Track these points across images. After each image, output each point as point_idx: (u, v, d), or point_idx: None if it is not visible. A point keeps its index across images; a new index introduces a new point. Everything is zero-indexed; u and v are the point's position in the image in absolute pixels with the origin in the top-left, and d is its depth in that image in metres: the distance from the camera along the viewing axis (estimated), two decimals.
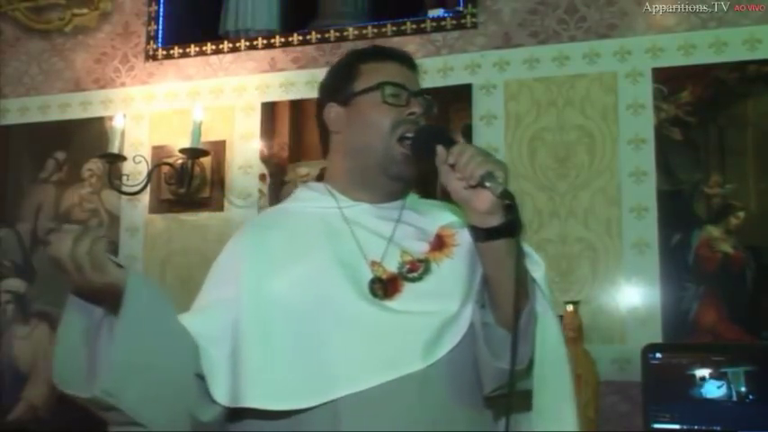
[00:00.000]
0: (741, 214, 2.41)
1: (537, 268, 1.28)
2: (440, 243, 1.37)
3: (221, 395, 1.24)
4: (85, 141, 3.14)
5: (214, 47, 3.06)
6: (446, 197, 1.32)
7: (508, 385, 1.18)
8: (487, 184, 1.21)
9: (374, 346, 1.24)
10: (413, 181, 1.41)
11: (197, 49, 3.07)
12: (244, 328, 1.27)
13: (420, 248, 1.35)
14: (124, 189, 2.98)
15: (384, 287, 1.30)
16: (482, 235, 1.25)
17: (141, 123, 3.09)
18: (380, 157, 1.36)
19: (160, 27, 3.14)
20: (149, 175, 2.96)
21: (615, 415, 2.39)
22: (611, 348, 2.43)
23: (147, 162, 2.99)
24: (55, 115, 3.22)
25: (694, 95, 2.50)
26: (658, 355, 2.19)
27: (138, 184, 2.96)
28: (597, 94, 2.60)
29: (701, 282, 2.40)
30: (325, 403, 1.22)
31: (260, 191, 2.90)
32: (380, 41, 2.85)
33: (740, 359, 2.12)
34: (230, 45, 3.04)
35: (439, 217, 1.41)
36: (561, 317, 2.27)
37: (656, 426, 2.12)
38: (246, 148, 2.95)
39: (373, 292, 1.29)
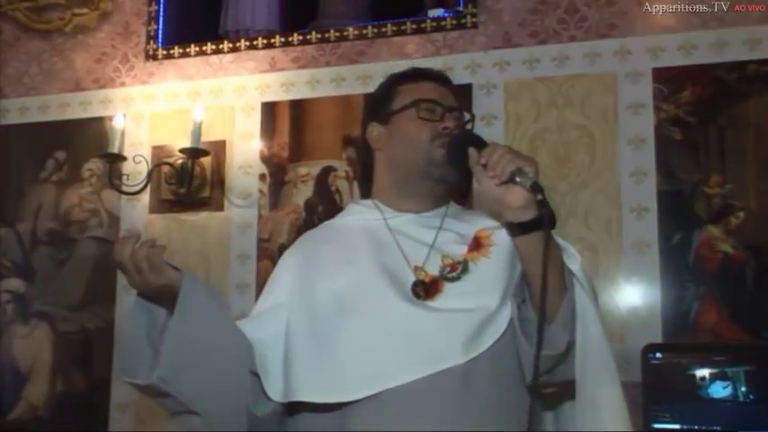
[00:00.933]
0: (741, 214, 2.41)
1: (573, 261, 1.34)
2: (477, 244, 1.44)
3: (274, 391, 1.35)
4: (85, 141, 3.14)
5: (214, 47, 3.06)
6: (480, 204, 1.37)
7: (534, 371, 1.23)
8: (518, 179, 1.28)
9: (416, 342, 1.31)
10: (455, 184, 1.50)
11: (197, 48, 3.07)
12: (294, 330, 1.38)
13: (460, 251, 1.43)
14: (124, 189, 2.98)
15: (426, 289, 1.38)
16: (517, 229, 1.33)
17: (141, 123, 3.09)
18: (422, 164, 1.45)
19: (160, 27, 3.14)
20: (149, 175, 2.96)
21: None
22: (611, 348, 2.43)
23: (147, 162, 2.99)
24: (55, 115, 3.22)
25: (694, 95, 2.50)
26: (658, 355, 2.19)
27: (138, 184, 2.96)
28: (597, 93, 2.60)
29: (702, 282, 2.40)
30: (370, 397, 1.29)
31: (260, 191, 2.90)
32: (380, 41, 2.85)
33: (740, 359, 2.12)
34: (230, 45, 3.04)
35: (478, 222, 1.49)
36: None
37: (656, 426, 2.12)
38: (246, 148, 2.95)
39: (416, 294, 1.38)
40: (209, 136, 2.92)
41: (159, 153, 3.02)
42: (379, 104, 1.55)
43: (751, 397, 2.08)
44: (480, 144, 1.36)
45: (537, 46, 2.69)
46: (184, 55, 3.09)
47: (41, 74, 3.29)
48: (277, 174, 2.90)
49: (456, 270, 1.40)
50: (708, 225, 2.43)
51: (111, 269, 2.97)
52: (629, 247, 2.49)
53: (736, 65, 2.47)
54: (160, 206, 3.00)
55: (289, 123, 2.92)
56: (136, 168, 2.99)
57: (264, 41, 3.01)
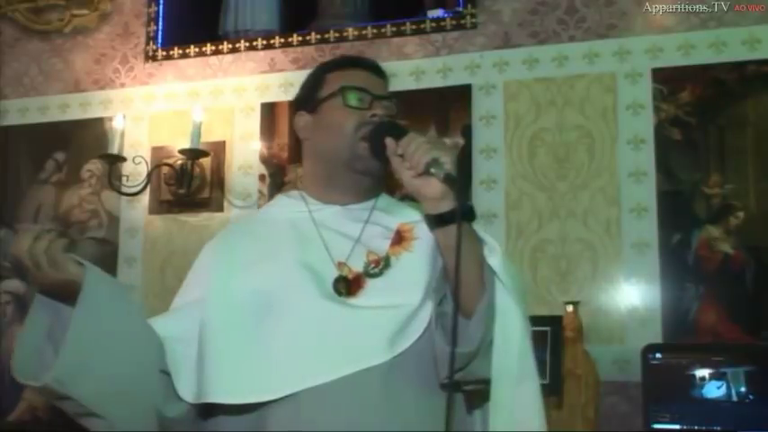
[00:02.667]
0: (741, 214, 2.41)
1: (494, 255, 1.28)
2: (399, 238, 1.40)
3: (186, 392, 1.28)
4: (85, 142, 3.14)
5: (214, 47, 3.06)
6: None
7: (449, 368, 1.19)
8: (432, 170, 1.23)
9: (336, 341, 1.27)
10: (381, 177, 1.43)
11: (196, 49, 3.07)
12: (209, 327, 1.31)
13: (385, 246, 1.38)
14: (124, 190, 2.98)
15: (347, 285, 1.33)
16: (433, 222, 1.28)
17: (141, 124, 3.09)
18: (346, 156, 1.39)
19: (160, 28, 3.14)
20: (149, 175, 2.96)
21: (615, 415, 2.39)
22: (611, 348, 2.43)
23: (146, 163, 2.99)
24: (54, 116, 3.22)
25: (694, 95, 2.50)
26: (658, 355, 2.19)
27: (138, 185, 2.96)
28: (597, 94, 2.60)
29: (701, 282, 2.40)
30: (287, 396, 1.24)
31: (260, 191, 2.90)
32: (380, 42, 2.85)
33: (740, 359, 2.12)
34: (230, 46, 3.05)
35: (404, 214, 1.44)
36: (561, 317, 2.28)
37: (656, 426, 2.12)
38: (246, 149, 2.95)
39: (337, 291, 1.33)
40: (208, 137, 2.92)
41: (159, 154, 3.02)
42: (306, 93, 1.49)
43: (750, 397, 2.07)
44: (399, 134, 1.31)
45: (536, 46, 2.69)
46: (184, 56, 3.09)
47: (41, 75, 3.29)
48: (276, 174, 2.90)
49: (378, 265, 1.35)
50: (707, 225, 2.43)
51: (111, 270, 2.97)
52: (628, 247, 2.49)
53: (736, 65, 2.47)
54: (160, 207, 3.00)
55: (288, 124, 2.91)
56: (135, 169, 2.99)
57: (264, 42, 3.01)
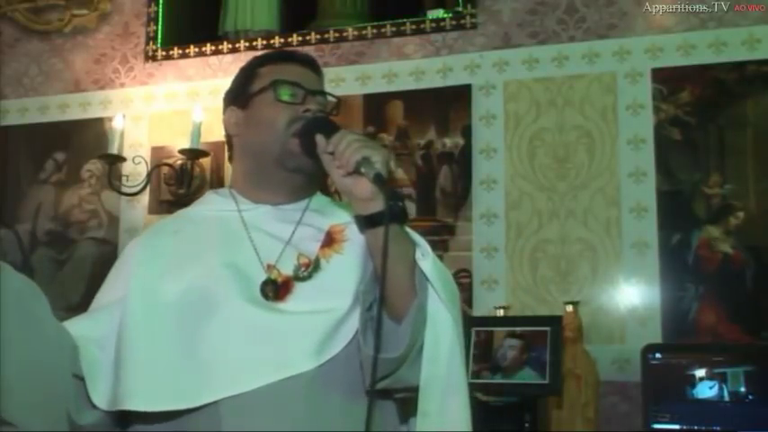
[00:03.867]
0: (741, 214, 2.40)
1: (425, 258, 1.23)
2: (329, 239, 1.34)
3: (100, 398, 1.21)
4: (85, 142, 3.14)
5: (213, 47, 3.06)
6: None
7: (372, 373, 1.14)
8: (362, 169, 1.18)
9: (261, 347, 1.21)
10: (314, 175, 1.37)
11: (196, 49, 3.07)
12: (127, 330, 1.24)
13: (315, 248, 1.32)
14: (124, 190, 2.98)
15: (275, 289, 1.27)
16: (363, 223, 1.24)
17: (141, 124, 3.09)
18: (277, 153, 1.33)
19: (159, 28, 3.14)
20: (149, 175, 2.96)
21: (615, 415, 2.39)
22: (611, 348, 2.43)
23: (146, 163, 2.99)
24: (54, 116, 3.22)
25: (694, 95, 2.50)
26: (658, 355, 2.18)
27: (138, 185, 2.96)
28: (596, 94, 2.60)
29: (701, 282, 2.40)
30: (208, 405, 1.18)
31: None
32: (379, 42, 2.85)
33: (740, 359, 2.12)
34: (230, 46, 3.04)
35: (337, 215, 1.38)
36: (561, 317, 2.28)
37: (656, 426, 2.12)
38: None
39: (264, 295, 1.27)
40: (208, 137, 2.92)
41: (159, 154, 3.02)
42: (238, 87, 1.42)
43: (750, 397, 2.07)
44: (330, 131, 1.26)
45: (536, 46, 2.69)
46: (184, 56, 3.09)
47: (41, 75, 3.29)
48: None
49: (307, 268, 1.29)
50: (707, 225, 2.43)
51: None
52: (628, 247, 2.49)
53: (736, 65, 2.47)
54: (159, 207, 3.00)
55: None
56: (135, 169, 2.98)
57: (264, 42, 3.01)
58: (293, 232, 1.33)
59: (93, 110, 3.16)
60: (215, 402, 1.18)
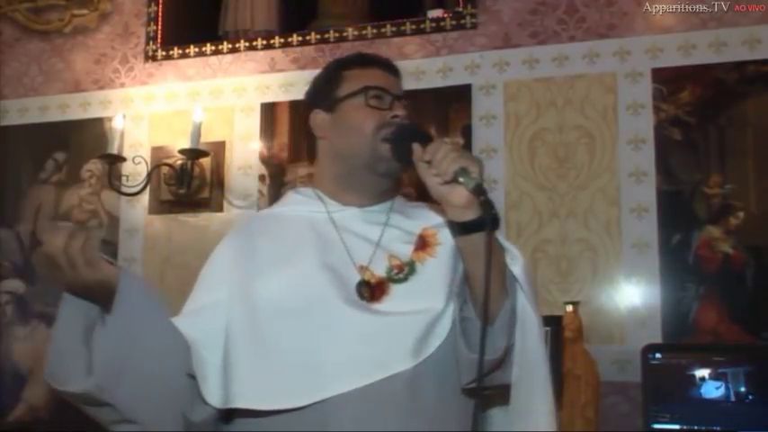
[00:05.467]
0: (741, 214, 2.40)
1: (516, 263, 1.29)
2: (423, 243, 1.39)
3: (213, 396, 1.27)
4: (85, 142, 3.14)
5: (213, 47, 3.06)
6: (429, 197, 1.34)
7: (477, 375, 1.19)
8: (461, 179, 1.23)
9: (361, 347, 1.26)
10: (401, 178, 1.44)
11: (196, 49, 3.07)
12: (234, 331, 1.30)
13: (406, 251, 1.38)
14: (124, 190, 2.98)
15: (371, 290, 1.33)
16: (458, 229, 1.28)
17: (141, 124, 3.09)
18: (367, 158, 1.38)
19: (159, 28, 3.14)
20: (149, 175, 2.96)
21: (615, 415, 2.39)
22: (611, 348, 2.43)
23: (146, 163, 2.99)
24: (54, 116, 3.22)
25: (694, 95, 2.50)
26: (658, 355, 2.19)
27: (138, 185, 2.96)
28: (597, 94, 2.60)
29: (701, 282, 2.40)
30: (314, 404, 1.23)
31: (259, 192, 2.90)
32: (380, 42, 2.85)
33: (740, 359, 2.12)
34: (230, 46, 3.04)
35: (424, 218, 1.44)
36: (561, 317, 2.28)
37: (656, 426, 2.12)
38: (246, 149, 2.94)
39: (360, 295, 1.32)
40: (208, 137, 2.92)
41: (159, 154, 3.02)
42: (324, 90, 1.46)
43: (750, 397, 2.07)
44: (424, 139, 1.30)
45: (536, 46, 2.69)
46: (184, 56, 3.09)
47: (41, 75, 3.29)
48: (276, 175, 2.90)
49: (403, 271, 1.35)
50: (708, 225, 2.43)
51: None
52: (629, 248, 2.49)
53: (736, 65, 2.47)
54: (160, 207, 3.00)
55: (288, 124, 2.92)
56: (135, 169, 2.99)
57: (264, 42, 3.01)
58: (381, 234, 1.39)
59: (93, 110, 3.16)
60: (322, 401, 1.23)
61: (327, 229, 1.39)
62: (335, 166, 1.43)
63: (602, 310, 2.47)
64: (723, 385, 2.10)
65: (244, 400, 1.25)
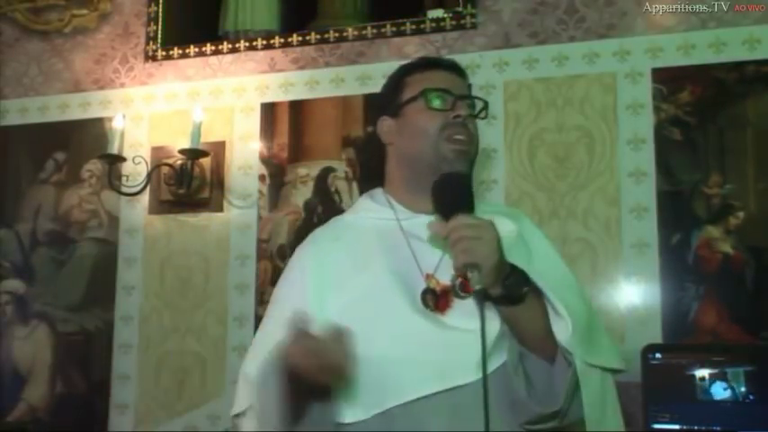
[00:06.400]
0: (741, 214, 2.40)
1: (563, 328, 1.25)
2: None
3: None
4: (85, 142, 3.14)
5: (213, 47, 3.06)
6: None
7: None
8: (469, 274, 1.22)
9: (427, 357, 1.28)
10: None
11: (196, 49, 3.07)
12: None
13: None
14: (124, 190, 2.98)
15: (435, 299, 1.33)
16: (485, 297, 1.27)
17: (141, 124, 3.09)
18: (431, 159, 1.39)
19: (159, 28, 3.14)
20: (149, 175, 2.96)
21: None
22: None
23: (146, 163, 2.99)
24: (54, 116, 3.22)
25: (694, 95, 2.49)
26: (658, 355, 2.19)
27: (138, 185, 2.96)
28: (596, 94, 2.60)
29: (701, 282, 2.40)
30: (380, 413, 1.26)
31: (259, 192, 2.90)
32: (380, 42, 2.85)
33: (740, 359, 2.12)
34: (230, 46, 3.04)
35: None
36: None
37: (656, 426, 2.12)
38: (246, 149, 2.94)
39: (425, 303, 1.33)
40: (208, 137, 2.92)
41: (159, 154, 3.02)
42: (388, 97, 1.49)
43: (750, 397, 2.07)
44: (448, 209, 1.28)
45: (536, 46, 2.69)
46: (184, 56, 3.09)
47: (41, 75, 3.29)
48: (276, 174, 2.90)
49: (466, 287, 1.34)
50: (707, 225, 2.43)
51: (111, 269, 2.98)
52: (628, 248, 2.49)
53: (736, 65, 2.47)
54: (160, 207, 3.00)
55: (288, 124, 2.92)
56: (135, 169, 2.99)
57: (264, 42, 3.01)
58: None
59: (93, 110, 3.16)
60: (386, 410, 1.26)
61: (396, 237, 1.40)
62: (402, 169, 1.45)
63: (602, 310, 2.47)
64: (723, 385, 2.10)
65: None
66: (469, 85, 1.67)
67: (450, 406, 1.26)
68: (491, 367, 1.28)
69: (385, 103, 1.50)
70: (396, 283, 1.34)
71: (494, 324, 1.30)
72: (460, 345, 1.28)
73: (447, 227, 1.26)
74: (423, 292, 1.34)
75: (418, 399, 1.25)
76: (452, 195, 1.31)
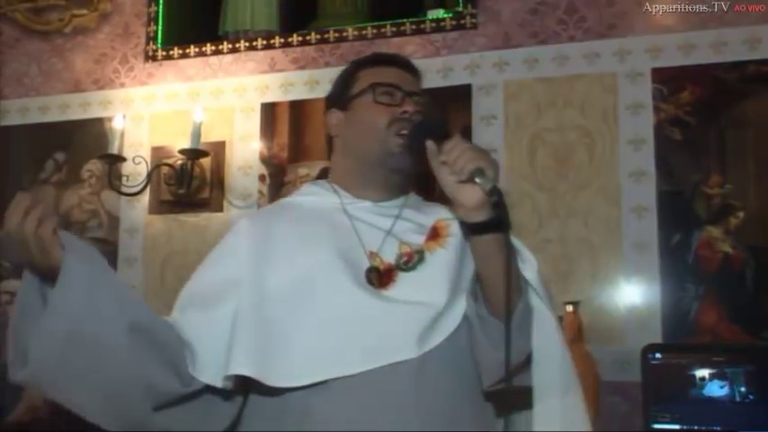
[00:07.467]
0: (741, 214, 2.40)
1: (529, 267, 1.30)
2: (434, 233, 1.41)
3: (205, 372, 1.28)
4: (85, 142, 3.14)
5: (214, 47, 3.06)
6: (445, 198, 1.33)
7: (505, 381, 1.20)
8: (477, 180, 1.23)
9: (369, 331, 1.27)
10: (412, 174, 1.45)
11: (197, 49, 3.07)
12: (243, 312, 1.30)
13: (417, 240, 1.39)
14: (124, 190, 2.98)
15: (379, 276, 1.34)
16: (469, 230, 1.29)
17: (141, 124, 3.09)
18: (377, 153, 1.41)
19: (160, 28, 3.14)
20: (149, 175, 2.96)
21: (615, 415, 2.39)
22: (611, 348, 2.43)
23: (146, 163, 2.99)
24: (55, 116, 3.22)
25: (694, 95, 2.49)
26: (658, 355, 2.19)
27: (138, 185, 2.96)
28: (597, 94, 2.60)
29: (701, 282, 2.40)
30: (318, 384, 1.24)
31: (260, 192, 2.90)
32: (380, 42, 2.85)
33: (740, 359, 2.12)
34: (230, 46, 3.04)
35: (437, 213, 1.45)
36: (561, 317, 2.28)
37: (656, 426, 2.12)
38: (246, 149, 2.94)
39: (369, 281, 1.33)
40: (208, 137, 2.92)
41: (159, 154, 3.02)
42: (338, 91, 1.51)
43: (750, 397, 2.07)
44: (440, 135, 1.30)
45: (536, 46, 2.68)
46: (184, 56, 3.09)
47: (41, 75, 3.29)
48: (276, 174, 2.90)
49: (412, 260, 1.36)
50: (707, 225, 2.43)
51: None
52: (629, 247, 2.49)
53: (736, 65, 2.47)
54: (160, 207, 3.00)
55: (288, 124, 2.92)
56: (135, 169, 2.99)
57: (264, 42, 3.01)
58: (393, 224, 1.41)
59: (93, 110, 3.16)
60: (325, 381, 1.24)
61: (340, 218, 1.41)
62: (348, 161, 1.47)
63: (602, 310, 2.47)
64: (723, 385, 2.10)
65: (239, 367, 1.24)
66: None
67: (390, 383, 1.24)
68: (439, 338, 1.28)
69: (335, 96, 1.52)
70: (340, 258, 1.34)
71: (441, 295, 1.31)
72: (403, 318, 1.28)
73: (445, 147, 1.27)
74: (367, 270, 1.34)
75: (359, 373, 1.24)
76: (437, 128, 1.34)
